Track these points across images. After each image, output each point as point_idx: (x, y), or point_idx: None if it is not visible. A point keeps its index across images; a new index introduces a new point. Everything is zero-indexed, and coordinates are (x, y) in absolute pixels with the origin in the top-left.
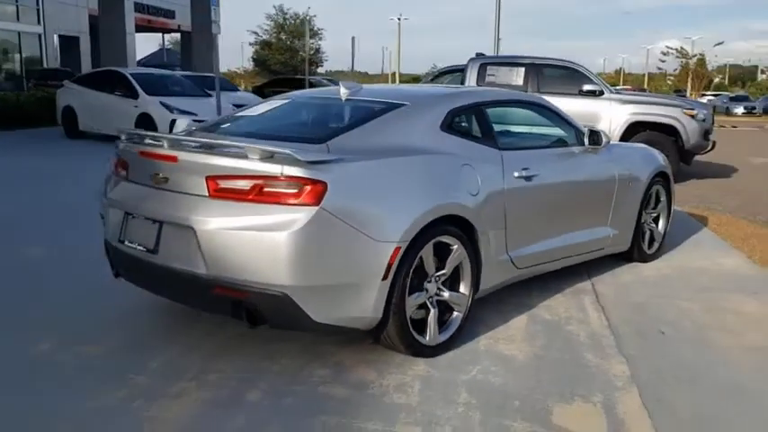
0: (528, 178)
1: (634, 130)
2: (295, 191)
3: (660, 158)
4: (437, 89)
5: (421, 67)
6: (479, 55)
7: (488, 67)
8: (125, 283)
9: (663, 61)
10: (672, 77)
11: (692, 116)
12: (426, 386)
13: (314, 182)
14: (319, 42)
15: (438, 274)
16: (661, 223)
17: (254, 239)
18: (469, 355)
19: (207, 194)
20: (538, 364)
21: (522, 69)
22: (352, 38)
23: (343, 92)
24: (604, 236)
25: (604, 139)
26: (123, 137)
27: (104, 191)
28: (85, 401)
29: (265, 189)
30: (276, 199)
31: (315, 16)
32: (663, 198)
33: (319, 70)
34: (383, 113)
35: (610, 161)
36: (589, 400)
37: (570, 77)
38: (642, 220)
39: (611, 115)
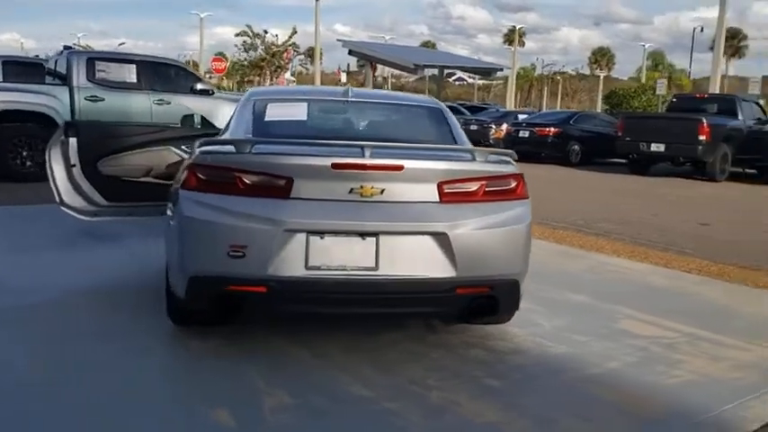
0: None
1: None
2: (513, 186)
3: None
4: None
5: None
6: (67, 48)
7: (97, 63)
8: None
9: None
10: None
11: None
12: (554, 339)
13: (522, 178)
14: None
15: None
16: None
17: (500, 235)
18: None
19: (438, 200)
20: (570, 315)
21: (134, 66)
22: None
23: (351, 95)
24: None
25: None
26: (242, 146)
27: (227, 219)
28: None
29: (488, 188)
30: (501, 196)
31: None
32: None
33: None
34: (444, 116)
35: None
36: (627, 316)
37: (181, 76)
38: None
39: (225, 112)
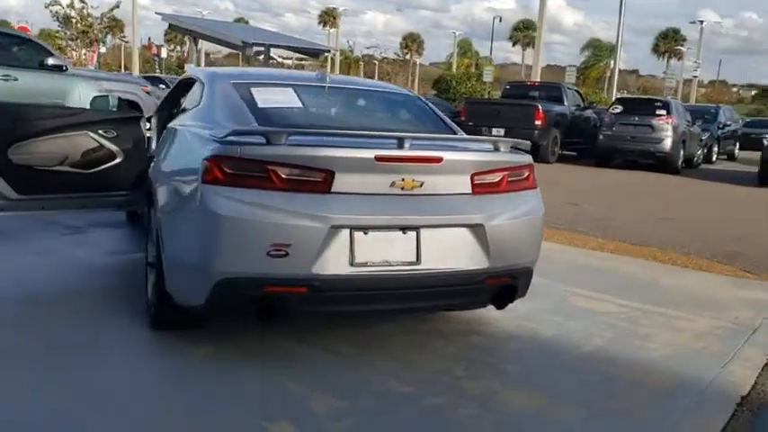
0: None
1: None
2: (527, 176)
3: None
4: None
5: None
6: None
7: None
8: None
9: None
10: None
11: (147, 92)
12: (534, 321)
13: (533, 168)
14: None
15: None
16: None
17: (527, 226)
18: None
19: (471, 191)
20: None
21: None
22: None
23: (328, 80)
24: None
25: None
26: (277, 138)
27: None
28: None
29: (509, 179)
30: (519, 186)
31: None
32: None
33: None
34: (428, 104)
35: None
36: (576, 294)
37: (29, 50)
38: None
39: (81, 90)
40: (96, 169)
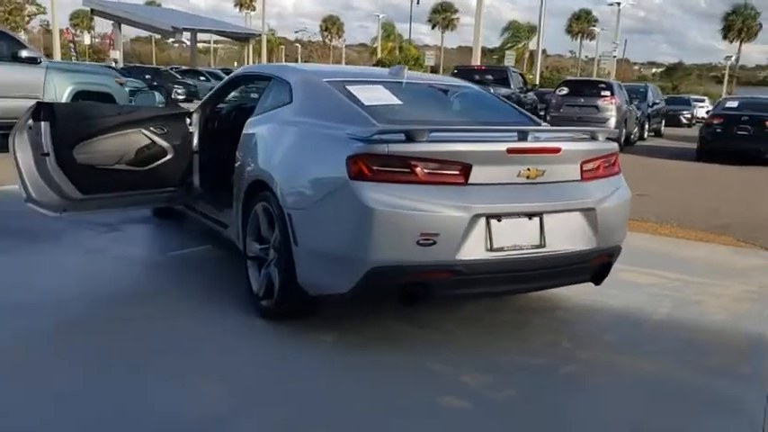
0: None
1: (79, 99)
2: (614, 161)
3: None
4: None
5: None
6: None
7: None
8: None
9: None
10: None
11: (121, 83)
12: (597, 294)
13: (618, 155)
14: None
15: None
16: None
17: (623, 208)
18: None
19: (580, 178)
20: None
21: None
22: None
23: (405, 76)
24: None
25: None
26: (420, 135)
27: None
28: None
29: (605, 165)
30: (611, 172)
31: None
32: None
33: None
34: (497, 96)
35: None
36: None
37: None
38: None
39: (56, 84)
40: (150, 166)
